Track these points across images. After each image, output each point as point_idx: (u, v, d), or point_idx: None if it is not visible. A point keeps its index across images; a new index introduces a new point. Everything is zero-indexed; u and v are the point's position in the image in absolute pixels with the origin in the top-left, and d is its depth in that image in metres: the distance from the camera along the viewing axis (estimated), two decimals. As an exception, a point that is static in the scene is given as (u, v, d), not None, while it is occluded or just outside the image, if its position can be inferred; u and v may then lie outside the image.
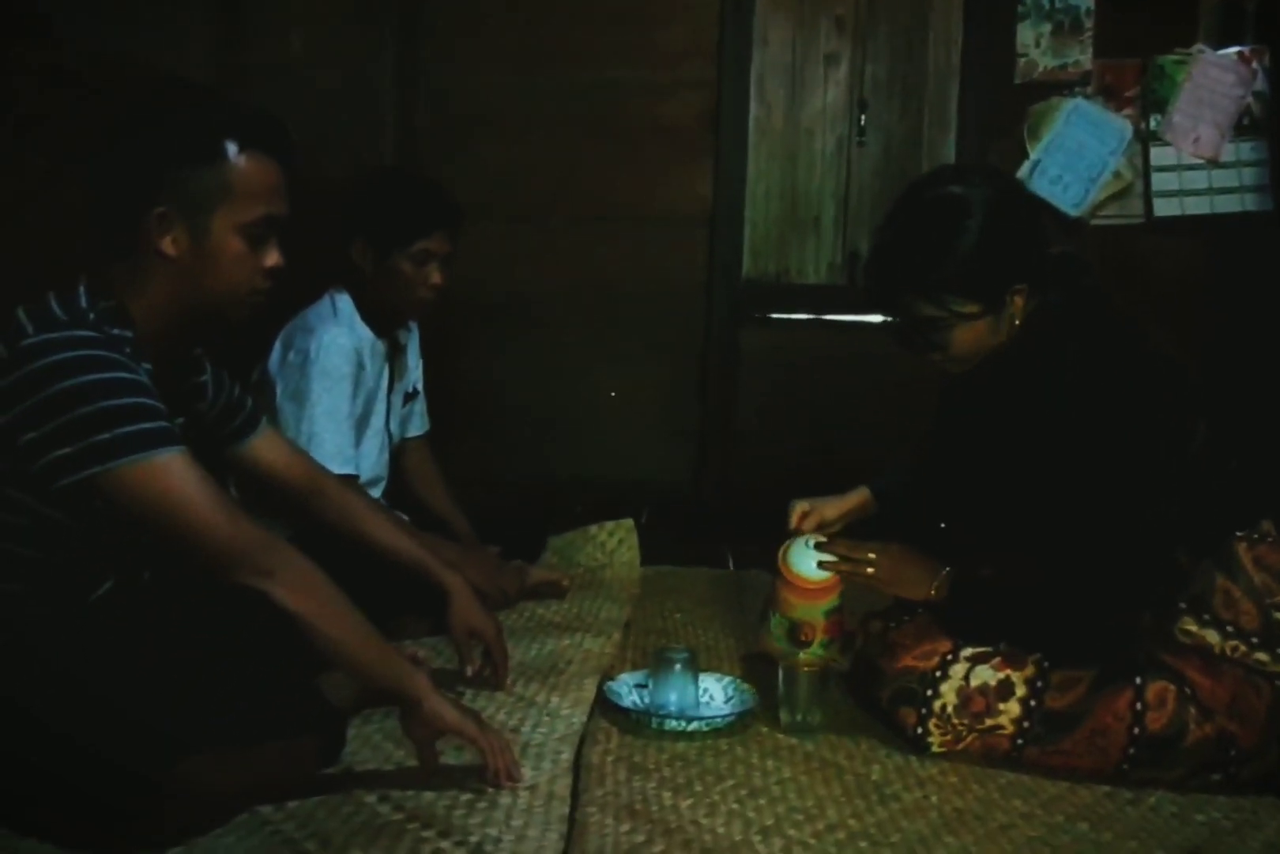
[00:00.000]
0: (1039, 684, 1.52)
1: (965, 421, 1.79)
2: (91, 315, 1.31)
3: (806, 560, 1.74)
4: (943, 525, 2.13)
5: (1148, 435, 1.49)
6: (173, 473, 1.26)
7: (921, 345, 1.62)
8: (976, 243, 1.53)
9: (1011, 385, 1.63)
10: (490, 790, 1.39)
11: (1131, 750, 1.48)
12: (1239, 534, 1.53)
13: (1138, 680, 1.49)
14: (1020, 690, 1.52)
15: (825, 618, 1.75)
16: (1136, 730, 1.47)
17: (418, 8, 3.19)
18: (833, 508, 1.89)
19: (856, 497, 1.92)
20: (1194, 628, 1.52)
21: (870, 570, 1.67)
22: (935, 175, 1.65)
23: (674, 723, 1.64)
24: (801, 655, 1.72)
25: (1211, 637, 1.50)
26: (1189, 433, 1.53)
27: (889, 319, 1.66)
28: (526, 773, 1.44)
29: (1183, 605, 1.53)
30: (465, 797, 1.37)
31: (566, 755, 1.53)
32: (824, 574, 1.72)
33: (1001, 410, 1.67)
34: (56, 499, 1.29)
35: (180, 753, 1.28)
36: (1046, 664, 1.54)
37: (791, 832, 1.33)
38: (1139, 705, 1.47)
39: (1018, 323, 1.58)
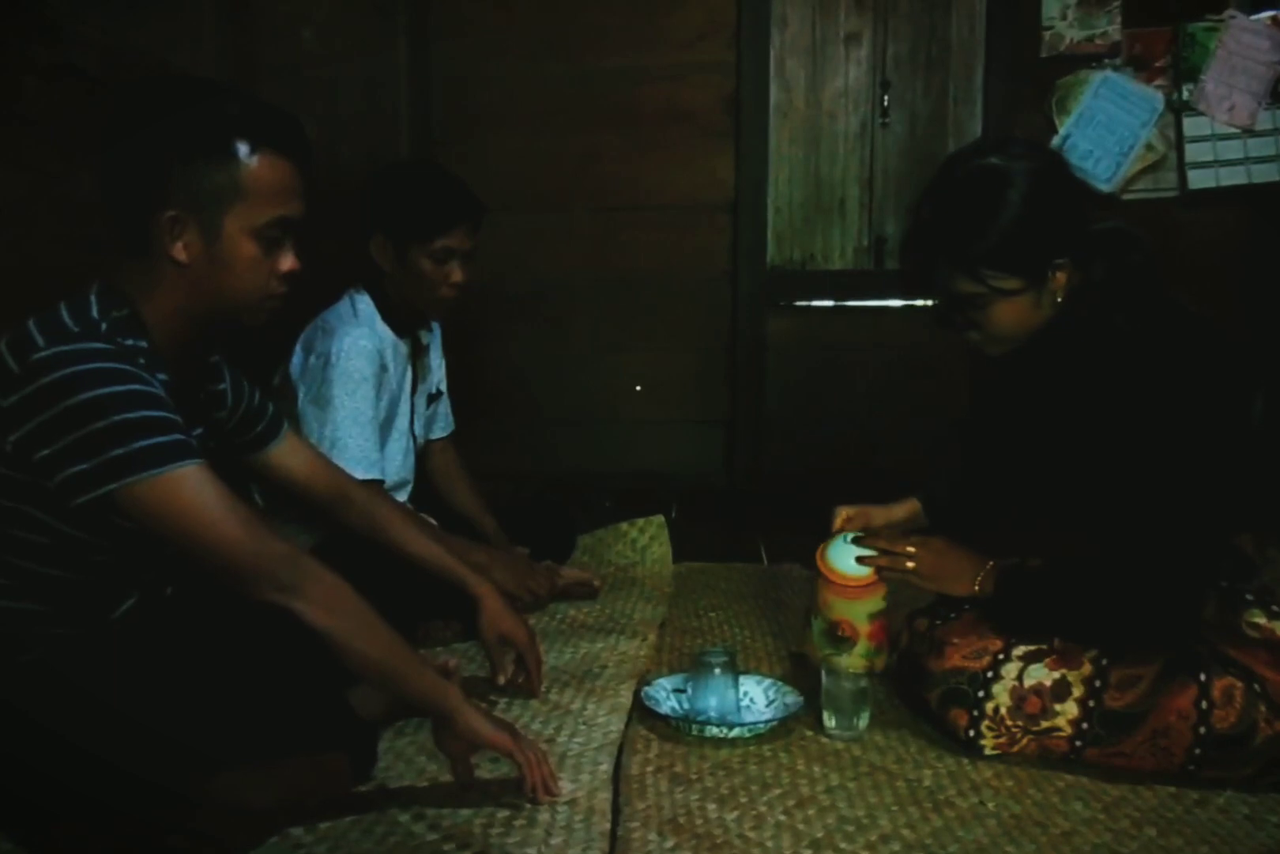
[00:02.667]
0: (1097, 683, 1.45)
1: (1006, 407, 1.72)
2: (103, 326, 1.26)
3: (845, 557, 1.69)
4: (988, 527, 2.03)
5: (1204, 411, 1.42)
6: (191, 487, 1.22)
7: (960, 324, 1.54)
8: (1017, 215, 1.45)
9: (1055, 364, 1.56)
10: (529, 806, 1.35)
11: (1197, 750, 1.41)
12: None
13: (1202, 677, 1.42)
14: (1077, 690, 1.46)
15: (868, 621, 1.70)
16: (1202, 730, 1.40)
17: (429, -1, 3.15)
18: (878, 515, 1.82)
19: (904, 508, 1.85)
20: (1262, 620, 1.44)
21: (910, 565, 1.61)
22: (975, 147, 1.56)
23: (715, 729, 1.58)
24: (845, 659, 1.67)
25: None
26: (1247, 407, 1.45)
27: (927, 298, 1.59)
28: (565, 786, 1.40)
29: (1249, 597, 1.45)
30: (502, 814, 1.33)
31: (605, 766, 1.48)
32: (863, 571, 1.66)
33: (1046, 390, 1.60)
34: (75, 516, 1.25)
35: (209, 771, 1.26)
36: (1104, 662, 1.47)
37: (843, 844, 1.28)
38: (1204, 703, 1.41)
39: (1060, 300, 1.51)
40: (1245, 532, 1.47)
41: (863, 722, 1.60)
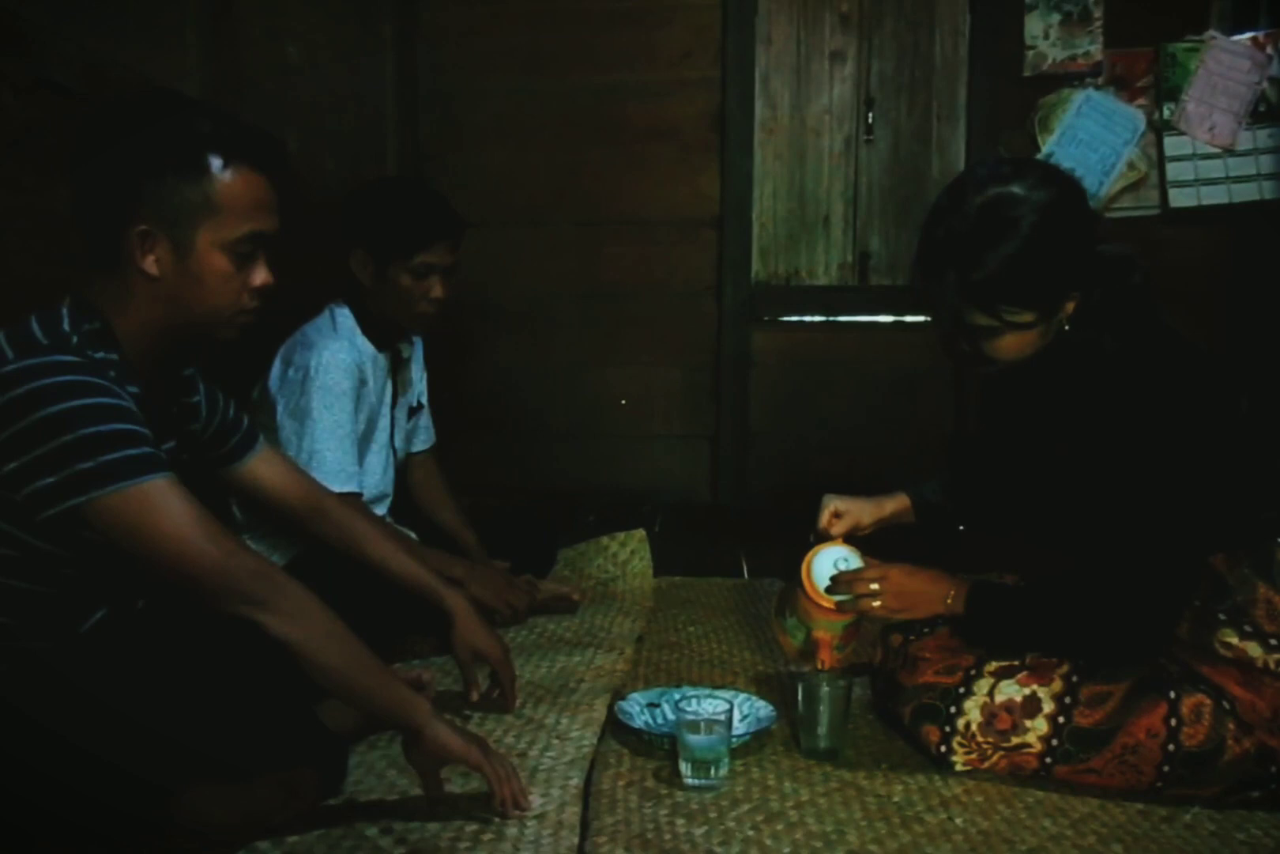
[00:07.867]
0: (1067, 700, 1.45)
1: (1007, 419, 1.73)
2: (74, 338, 1.27)
3: (828, 575, 1.65)
4: (961, 528, 2.05)
5: (1187, 431, 1.42)
6: (159, 500, 1.22)
7: (969, 350, 1.53)
8: (1036, 254, 1.42)
9: (1048, 380, 1.57)
10: (498, 820, 1.34)
11: (1166, 768, 1.41)
12: None
13: (1171, 694, 1.43)
14: (1048, 707, 1.46)
15: (843, 630, 1.69)
16: (1171, 747, 1.41)
17: (416, 12, 3.17)
18: (868, 513, 1.79)
19: (894, 503, 1.83)
20: (1234, 640, 1.43)
21: (876, 604, 1.58)
22: (992, 169, 1.50)
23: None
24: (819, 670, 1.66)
25: (1254, 649, 1.42)
26: (1228, 428, 1.45)
27: (934, 320, 1.56)
28: (535, 800, 1.40)
29: (1222, 616, 1.45)
30: (471, 828, 1.32)
31: (576, 781, 1.48)
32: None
33: (1040, 405, 1.61)
34: (43, 529, 1.25)
35: (178, 785, 1.25)
36: (1075, 679, 1.47)
37: (810, 860, 1.28)
38: (1174, 721, 1.41)
39: (1067, 328, 1.51)
40: (1218, 551, 1.47)
41: (839, 743, 1.58)
